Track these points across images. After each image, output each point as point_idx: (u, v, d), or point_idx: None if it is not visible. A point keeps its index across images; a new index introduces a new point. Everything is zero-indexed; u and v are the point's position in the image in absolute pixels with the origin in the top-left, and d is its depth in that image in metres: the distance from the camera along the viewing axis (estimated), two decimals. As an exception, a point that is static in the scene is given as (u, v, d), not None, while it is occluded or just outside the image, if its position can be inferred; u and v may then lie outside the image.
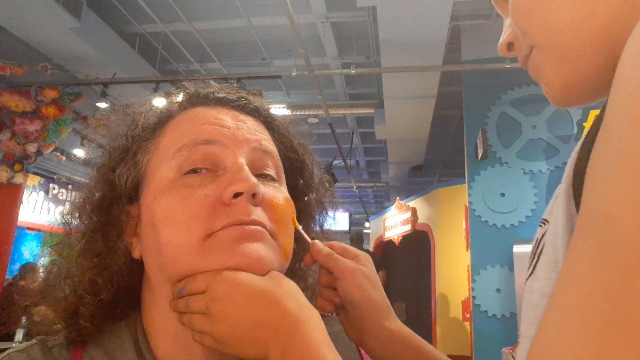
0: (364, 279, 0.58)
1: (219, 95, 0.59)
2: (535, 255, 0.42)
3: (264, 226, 0.50)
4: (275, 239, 0.52)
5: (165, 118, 0.58)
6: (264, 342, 0.45)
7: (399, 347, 0.58)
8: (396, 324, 0.59)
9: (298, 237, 0.59)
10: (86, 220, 0.55)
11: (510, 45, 0.49)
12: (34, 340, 0.52)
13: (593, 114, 3.62)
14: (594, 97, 0.45)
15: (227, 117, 0.56)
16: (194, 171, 0.51)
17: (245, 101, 0.59)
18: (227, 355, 0.48)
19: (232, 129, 0.54)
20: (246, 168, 0.51)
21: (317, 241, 0.59)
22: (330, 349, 0.44)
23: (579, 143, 0.38)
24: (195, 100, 0.59)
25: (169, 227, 0.49)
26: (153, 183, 0.53)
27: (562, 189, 0.38)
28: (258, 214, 0.50)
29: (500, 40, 0.50)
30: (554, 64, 0.44)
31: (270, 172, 0.56)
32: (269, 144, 0.57)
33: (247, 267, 0.48)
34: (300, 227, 0.57)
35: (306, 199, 0.65)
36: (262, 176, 0.54)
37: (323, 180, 0.69)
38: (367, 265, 0.60)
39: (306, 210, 0.65)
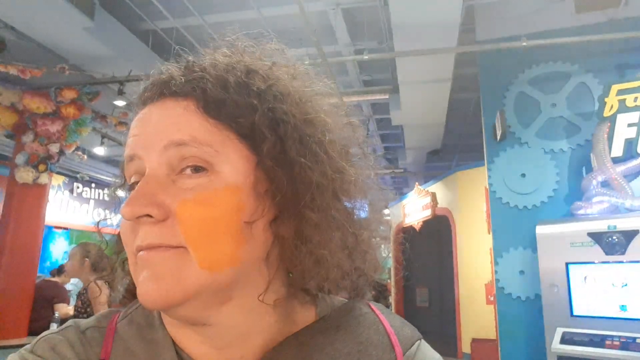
0: None
1: (146, 94, 0.51)
2: None
3: (165, 245, 0.44)
4: (189, 252, 0.44)
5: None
6: None
7: None
8: None
9: None
10: None
11: None
12: (69, 323, 0.54)
13: (615, 89, 3.52)
14: None
15: (152, 116, 0.49)
16: (133, 186, 0.49)
17: (172, 83, 0.49)
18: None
19: (147, 134, 0.48)
20: (141, 185, 0.45)
21: None
22: None
23: None
24: (138, 101, 0.53)
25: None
26: None
27: None
28: (161, 231, 0.44)
29: None
30: None
31: (190, 165, 0.46)
32: (184, 132, 0.46)
33: (148, 306, 0.45)
34: None
35: (296, 167, 0.48)
36: (184, 173, 0.46)
37: (338, 128, 0.54)
38: None
39: (304, 181, 0.48)
